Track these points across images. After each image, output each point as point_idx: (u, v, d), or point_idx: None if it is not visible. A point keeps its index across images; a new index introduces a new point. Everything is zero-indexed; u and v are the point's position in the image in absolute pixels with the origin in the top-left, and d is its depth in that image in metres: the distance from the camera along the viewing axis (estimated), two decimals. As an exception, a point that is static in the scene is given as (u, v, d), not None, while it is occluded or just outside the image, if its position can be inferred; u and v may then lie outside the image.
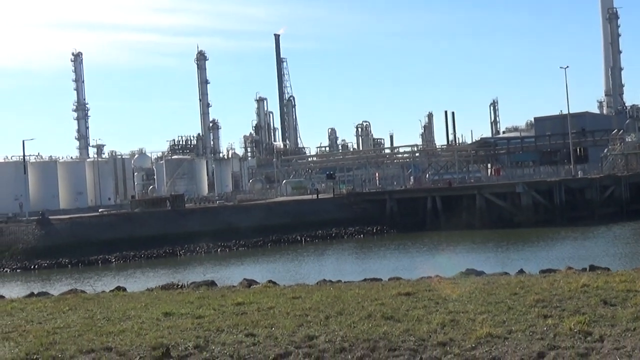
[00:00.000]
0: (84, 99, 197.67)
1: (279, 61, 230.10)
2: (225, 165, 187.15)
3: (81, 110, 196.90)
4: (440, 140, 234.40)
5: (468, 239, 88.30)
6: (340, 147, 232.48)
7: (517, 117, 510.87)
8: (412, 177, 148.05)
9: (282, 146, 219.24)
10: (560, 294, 20.63)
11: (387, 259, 75.88)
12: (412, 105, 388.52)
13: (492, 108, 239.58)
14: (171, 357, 15.67)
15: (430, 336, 16.18)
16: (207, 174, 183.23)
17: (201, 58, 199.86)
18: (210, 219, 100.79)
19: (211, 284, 30.93)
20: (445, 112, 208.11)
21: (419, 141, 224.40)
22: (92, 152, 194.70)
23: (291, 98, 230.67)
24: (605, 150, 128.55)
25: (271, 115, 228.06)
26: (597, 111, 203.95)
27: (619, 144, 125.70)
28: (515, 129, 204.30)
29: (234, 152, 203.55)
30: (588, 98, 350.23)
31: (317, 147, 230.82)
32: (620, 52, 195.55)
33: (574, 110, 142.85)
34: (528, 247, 78.06)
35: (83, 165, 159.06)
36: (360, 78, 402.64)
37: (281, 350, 15.70)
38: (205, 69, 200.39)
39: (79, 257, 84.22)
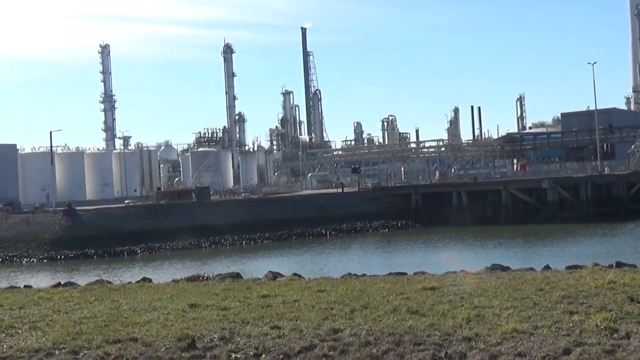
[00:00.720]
0: (111, 91, 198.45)
1: (306, 54, 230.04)
2: (251, 158, 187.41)
3: (108, 102, 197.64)
4: (466, 135, 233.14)
5: (493, 234, 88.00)
6: (365, 141, 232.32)
7: (543, 112, 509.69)
8: (437, 172, 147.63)
9: (307, 139, 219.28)
10: (587, 291, 20.54)
11: (412, 253, 75.82)
12: (438, 99, 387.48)
13: (518, 103, 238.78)
14: (197, 348, 15.72)
15: (455, 331, 16.15)
16: (233, 167, 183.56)
17: (228, 51, 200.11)
18: (235, 212, 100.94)
19: (236, 276, 30.94)
20: (472, 106, 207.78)
21: (445, 136, 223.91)
22: (118, 143, 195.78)
23: (317, 91, 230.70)
24: (633, 147, 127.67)
25: (297, 108, 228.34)
26: (624, 107, 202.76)
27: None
28: (542, 125, 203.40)
29: (260, 145, 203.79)
30: (615, 94, 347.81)
31: (343, 141, 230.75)
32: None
33: (601, 106, 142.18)
34: (554, 243, 77.72)
35: (109, 157, 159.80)
36: (387, 72, 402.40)
37: (306, 343, 15.71)
38: (232, 62, 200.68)
39: (105, 248, 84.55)
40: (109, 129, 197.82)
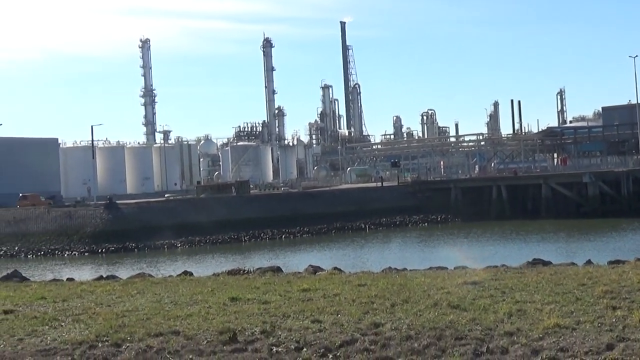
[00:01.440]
0: (152, 85, 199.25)
1: (345, 48, 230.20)
2: (290, 152, 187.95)
3: (148, 96, 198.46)
4: (506, 129, 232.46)
5: (534, 229, 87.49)
6: (405, 135, 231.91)
7: (584, 106, 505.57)
8: (477, 166, 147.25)
9: (347, 134, 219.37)
10: (629, 286, 20.40)
11: (452, 247, 75.52)
12: (477, 93, 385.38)
13: (559, 97, 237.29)
14: (238, 341, 15.78)
15: (497, 326, 16.09)
16: (272, 161, 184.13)
17: (267, 45, 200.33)
18: (274, 206, 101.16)
19: (277, 270, 31.03)
20: (512, 100, 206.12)
21: (485, 130, 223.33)
22: (159, 137, 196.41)
23: (356, 85, 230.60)
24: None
25: (336, 102, 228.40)
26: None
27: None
28: (583, 119, 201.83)
29: (299, 139, 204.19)
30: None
31: (382, 135, 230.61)
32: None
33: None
34: (595, 238, 77.05)
35: (150, 151, 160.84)
36: (426, 66, 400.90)
37: (347, 337, 15.72)
38: (271, 56, 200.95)
39: (145, 242, 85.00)
40: (150, 123, 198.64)
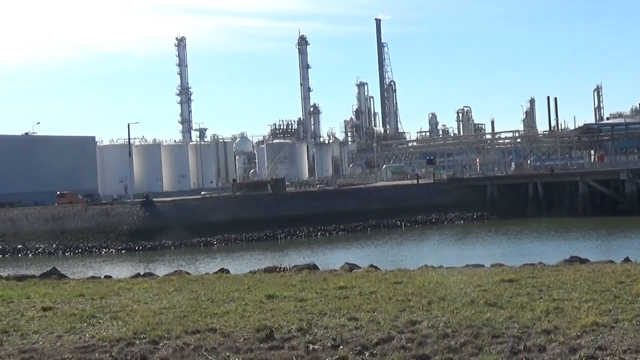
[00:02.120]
0: (187, 83, 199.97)
1: (380, 46, 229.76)
2: (326, 150, 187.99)
3: (184, 94, 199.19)
4: (542, 126, 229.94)
5: (570, 226, 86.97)
6: (440, 132, 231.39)
7: (621, 103, 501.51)
8: (513, 163, 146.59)
9: (382, 131, 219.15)
10: (668, 284, 20.23)
11: (488, 245, 75.29)
12: (513, 90, 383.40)
13: (595, 94, 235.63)
14: (275, 339, 15.81)
15: (534, 323, 16.00)
16: (308, 158, 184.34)
17: (302, 42, 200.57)
18: (310, 203, 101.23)
19: (313, 267, 31.04)
20: (548, 97, 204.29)
21: (521, 127, 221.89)
22: (194, 135, 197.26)
23: (392, 83, 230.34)
24: None
25: (372, 99, 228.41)
26: None
27: None
28: (620, 115, 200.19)
29: (335, 137, 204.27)
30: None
31: (418, 132, 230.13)
32: None
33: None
34: (633, 235, 76.41)
35: (186, 149, 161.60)
36: (462, 63, 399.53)
37: (384, 334, 15.70)
38: (307, 54, 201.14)
39: (182, 239, 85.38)
40: (185, 121, 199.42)
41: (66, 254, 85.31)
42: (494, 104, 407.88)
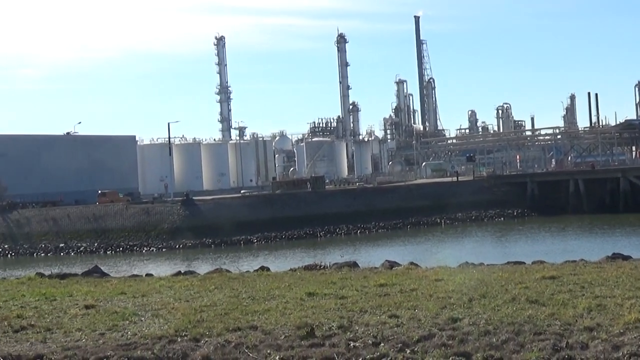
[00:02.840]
0: (227, 82, 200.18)
1: (419, 43, 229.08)
2: (365, 148, 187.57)
3: (224, 93, 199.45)
4: (582, 122, 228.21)
5: (612, 223, 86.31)
6: (480, 129, 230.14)
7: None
8: (553, 160, 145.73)
9: (421, 128, 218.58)
10: None
11: (529, 242, 74.87)
12: (553, 86, 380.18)
13: (637, 89, 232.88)
14: (315, 336, 15.81)
15: (576, 321, 15.90)
16: (347, 156, 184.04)
17: (341, 41, 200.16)
18: (350, 201, 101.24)
19: (353, 265, 30.96)
20: (589, 93, 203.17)
21: (561, 123, 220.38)
22: (234, 134, 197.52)
23: (431, 80, 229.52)
24: None
25: (411, 97, 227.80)
26: None
27: None
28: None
29: (374, 135, 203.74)
30: None
31: (457, 129, 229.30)
32: None
33: None
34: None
35: (225, 147, 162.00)
36: (501, 59, 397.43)
37: (424, 332, 15.66)
38: (346, 52, 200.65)
39: (222, 237, 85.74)
40: (225, 119, 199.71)
41: (107, 252, 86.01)
42: (534, 101, 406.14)
